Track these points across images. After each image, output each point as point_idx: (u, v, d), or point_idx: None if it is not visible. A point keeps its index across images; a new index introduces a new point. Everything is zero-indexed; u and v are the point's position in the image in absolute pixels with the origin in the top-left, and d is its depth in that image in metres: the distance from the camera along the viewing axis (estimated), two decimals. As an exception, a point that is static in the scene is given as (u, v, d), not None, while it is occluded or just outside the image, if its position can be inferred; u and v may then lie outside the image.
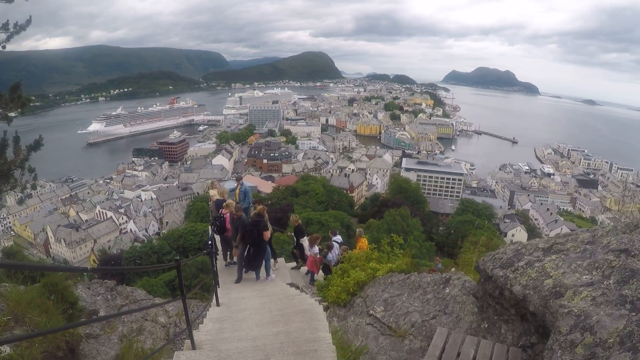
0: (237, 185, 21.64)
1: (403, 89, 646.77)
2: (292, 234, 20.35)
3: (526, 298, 4.66)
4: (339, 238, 20.16)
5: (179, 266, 7.75)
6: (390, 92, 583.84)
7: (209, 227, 20.24)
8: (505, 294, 5.12)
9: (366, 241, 18.99)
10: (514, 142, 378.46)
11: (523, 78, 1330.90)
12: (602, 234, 5.37)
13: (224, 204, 18.22)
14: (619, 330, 3.54)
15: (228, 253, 18.54)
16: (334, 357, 7.46)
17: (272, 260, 17.82)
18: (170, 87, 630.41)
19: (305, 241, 19.49)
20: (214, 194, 21.26)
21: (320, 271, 18.74)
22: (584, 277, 4.37)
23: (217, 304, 12.11)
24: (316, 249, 18.52)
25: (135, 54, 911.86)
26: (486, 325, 5.84)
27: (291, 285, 16.51)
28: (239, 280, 15.93)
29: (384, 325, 8.81)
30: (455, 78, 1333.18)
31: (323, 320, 9.92)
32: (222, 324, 10.03)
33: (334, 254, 18.58)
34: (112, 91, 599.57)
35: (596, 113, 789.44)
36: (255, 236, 15.98)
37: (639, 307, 3.64)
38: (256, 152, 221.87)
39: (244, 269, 16.31)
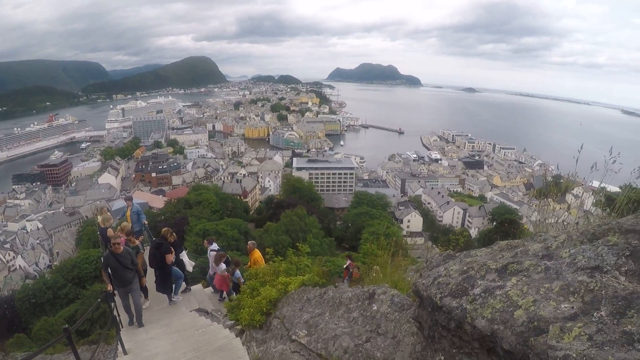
0: (128, 206, 20.48)
1: (289, 89, 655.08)
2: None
3: (496, 334, 4.04)
4: (215, 246, 19.48)
5: (69, 336, 6.96)
6: (276, 93, 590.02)
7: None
8: (466, 328, 4.53)
9: (259, 253, 18.60)
10: (401, 133, 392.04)
11: (406, 71, 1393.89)
12: (557, 245, 4.83)
13: (120, 227, 17.33)
14: (644, 382, 3.03)
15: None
16: None
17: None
18: (47, 103, 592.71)
19: (184, 256, 18.33)
20: (100, 220, 19.17)
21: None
22: (563, 306, 3.77)
23: (124, 352, 11.16)
24: (223, 266, 17.82)
25: (8, 68, 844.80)
26: (442, 358, 5.25)
27: (199, 311, 15.83)
28: (130, 322, 14.34)
29: (313, 352, 8.14)
30: (340, 75, 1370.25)
31: (244, 358, 9.37)
32: None
33: (210, 263, 18.26)
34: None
35: (476, 100, 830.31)
36: (158, 259, 15.55)
37: (653, 349, 3.14)
38: (143, 166, 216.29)
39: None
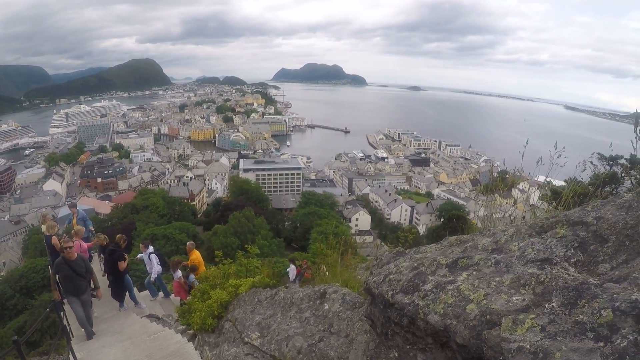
0: (73, 213, 20.01)
1: (234, 91, 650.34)
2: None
3: (449, 329, 4.05)
4: (152, 249, 18.89)
5: (19, 348, 6.75)
6: (221, 95, 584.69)
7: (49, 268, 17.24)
8: (419, 324, 4.53)
9: (198, 253, 18.73)
10: (347, 132, 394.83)
11: (351, 71, 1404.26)
12: (507, 239, 4.88)
13: (73, 231, 17.02)
14: (598, 370, 3.04)
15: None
16: None
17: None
18: None
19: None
20: (44, 229, 17.76)
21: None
22: (514, 298, 3.79)
23: None
24: (179, 273, 17.68)
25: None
26: (397, 354, 5.24)
27: (150, 317, 15.54)
28: (89, 336, 13.05)
29: (266, 354, 8.06)
30: (285, 75, 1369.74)
31: None
32: None
33: (152, 267, 17.93)
34: None
35: (421, 98, 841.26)
36: (111, 266, 15.74)
37: (604, 336, 3.13)
38: (89, 172, 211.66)
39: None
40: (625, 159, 12.76)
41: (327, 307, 8.00)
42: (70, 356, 10.80)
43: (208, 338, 11.26)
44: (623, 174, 12.18)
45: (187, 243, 19.47)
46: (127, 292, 16.93)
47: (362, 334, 6.65)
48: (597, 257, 4.07)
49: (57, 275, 12.72)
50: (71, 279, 12.39)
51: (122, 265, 15.83)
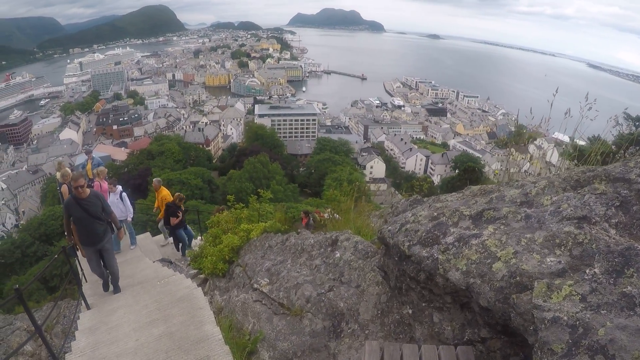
0: (88, 159, 19.54)
1: (249, 36, 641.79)
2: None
3: (472, 289, 3.67)
4: (120, 188, 17.01)
5: (21, 296, 6.49)
6: (236, 40, 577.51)
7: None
8: (438, 281, 4.17)
9: (167, 191, 18.41)
10: (363, 79, 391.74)
11: (368, 17, 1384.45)
12: (537, 192, 4.48)
13: (96, 171, 17.01)
14: (647, 355, 2.62)
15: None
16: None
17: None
18: (3, 62, 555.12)
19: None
20: (59, 176, 17.16)
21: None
22: (549, 259, 3.38)
23: (87, 307, 10.77)
24: None
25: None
26: (410, 312, 4.92)
27: (162, 261, 15.62)
28: (106, 288, 11.93)
29: (275, 302, 7.84)
30: (301, 20, 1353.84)
31: (206, 308, 9.01)
32: (95, 335, 8.71)
33: (127, 207, 17.21)
34: None
35: (441, 46, 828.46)
36: (166, 219, 17.29)
37: (656, 315, 2.75)
38: (104, 119, 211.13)
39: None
40: (652, 120, 12.38)
41: (338, 255, 7.77)
42: (82, 301, 10.69)
43: (219, 283, 11.14)
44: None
45: (154, 180, 18.49)
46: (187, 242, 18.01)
47: (374, 285, 6.39)
48: (641, 220, 3.69)
49: (71, 219, 10.54)
50: (83, 221, 10.53)
51: (173, 220, 16.94)
